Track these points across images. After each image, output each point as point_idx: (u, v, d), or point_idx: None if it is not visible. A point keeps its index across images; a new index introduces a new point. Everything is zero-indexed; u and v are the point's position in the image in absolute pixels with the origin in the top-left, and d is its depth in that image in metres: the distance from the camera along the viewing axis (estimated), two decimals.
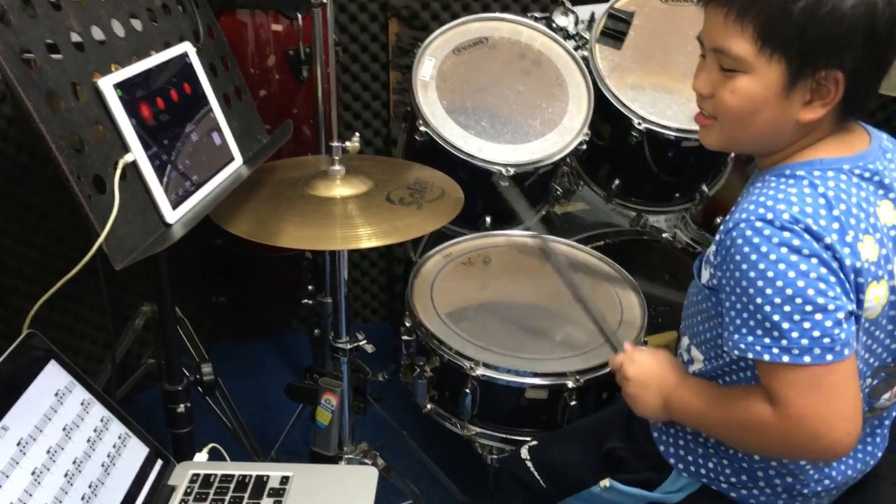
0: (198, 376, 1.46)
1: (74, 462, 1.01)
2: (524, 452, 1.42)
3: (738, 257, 0.99)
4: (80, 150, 1.01)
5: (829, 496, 1.19)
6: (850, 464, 1.17)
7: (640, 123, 1.85)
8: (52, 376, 1.03)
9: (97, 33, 1.14)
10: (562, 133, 1.85)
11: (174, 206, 1.15)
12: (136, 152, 1.10)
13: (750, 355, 0.99)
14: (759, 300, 0.97)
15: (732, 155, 2.03)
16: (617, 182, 2.03)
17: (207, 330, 2.48)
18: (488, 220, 1.93)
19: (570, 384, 1.49)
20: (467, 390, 1.51)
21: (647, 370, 1.20)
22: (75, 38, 1.08)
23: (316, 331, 2.31)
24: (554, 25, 2.02)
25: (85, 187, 1.00)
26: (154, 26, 1.27)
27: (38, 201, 1.90)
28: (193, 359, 1.86)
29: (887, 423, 1.21)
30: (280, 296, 2.65)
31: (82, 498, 1.01)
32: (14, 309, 1.86)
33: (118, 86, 1.09)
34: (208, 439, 2.12)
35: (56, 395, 1.03)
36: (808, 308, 0.95)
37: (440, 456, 2.07)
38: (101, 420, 1.09)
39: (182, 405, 1.40)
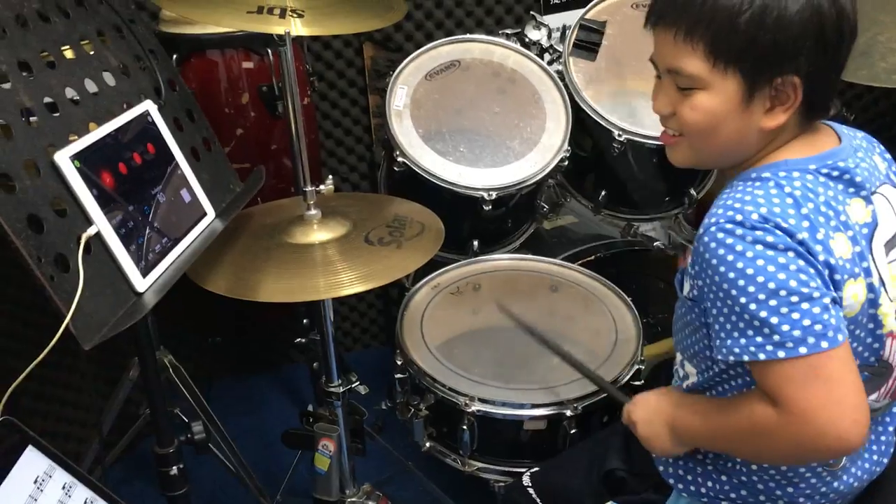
0: (189, 435, 1.43)
1: None
2: (526, 479, 1.40)
3: (714, 261, 0.97)
4: (40, 230, 0.98)
5: None
6: (854, 472, 1.13)
7: (620, 135, 1.82)
8: (30, 462, 1.00)
9: (51, 102, 1.10)
10: (542, 151, 1.82)
11: (145, 273, 1.12)
12: (100, 224, 1.06)
13: (746, 357, 0.96)
14: (742, 300, 0.95)
15: None
16: (603, 193, 2.00)
17: (206, 370, 2.45)
18: (476, 244, 1.90)
19: (569, 412, 1.46)
20: (464, 426, 1.48)
21: (647, 407, 1.19)
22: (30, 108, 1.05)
23: (315, 364, 2.28)
24: (527, 40, 1.99)
25: (46, 269, 0.97)
26: (111, 88, 1.24)
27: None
28: (190, 403, 1.84)
29: (891, 428, 1.18)
30: (276, 330, 2.63)
31: None
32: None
33: (76, 157, 1.06)
34: (212, 482, 2.11)
35: (35, 482, 1.00)
36: (794, 298, 0.93)
37: (448, 483, 2.03)
38: (85, 502, 1.06)
39: (175, 467, 1.37)
